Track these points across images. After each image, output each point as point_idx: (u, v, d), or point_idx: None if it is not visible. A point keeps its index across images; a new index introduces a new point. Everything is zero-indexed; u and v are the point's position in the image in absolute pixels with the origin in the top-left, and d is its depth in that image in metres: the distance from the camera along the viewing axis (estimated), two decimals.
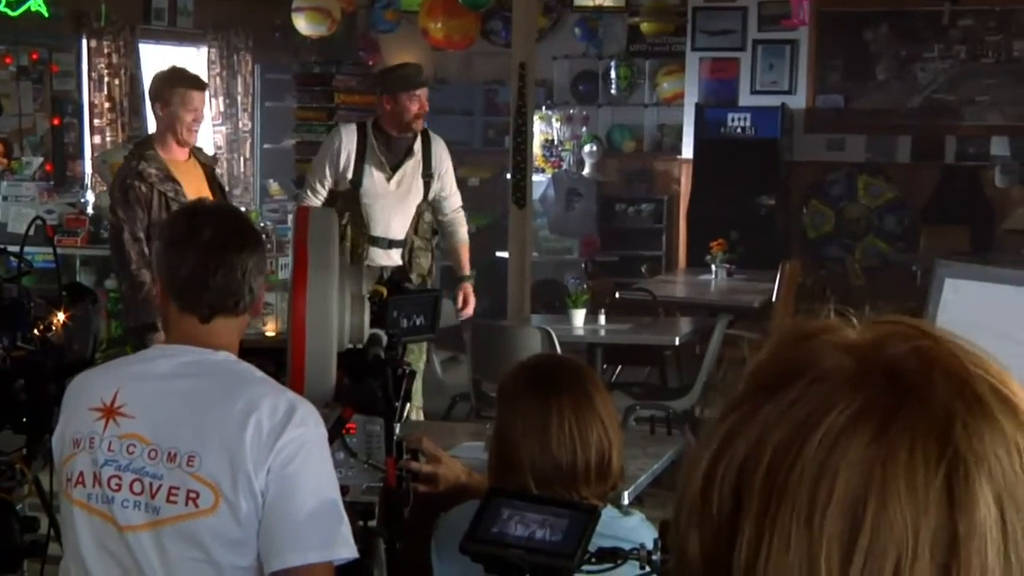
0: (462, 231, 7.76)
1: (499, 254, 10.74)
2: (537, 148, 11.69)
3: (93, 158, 10.48)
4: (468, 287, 7.50)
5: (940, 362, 1.01)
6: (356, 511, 3.43)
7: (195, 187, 6.72)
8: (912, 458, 0.96)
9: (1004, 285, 3.35)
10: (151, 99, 7.13)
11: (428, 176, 7.46)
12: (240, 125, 12.25)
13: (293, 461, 3.04)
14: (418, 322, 3.76)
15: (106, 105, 10.76)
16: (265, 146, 12.70)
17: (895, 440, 0.97)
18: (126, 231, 6.72)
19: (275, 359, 3.48)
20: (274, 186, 12.24)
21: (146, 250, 6.66)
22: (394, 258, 7.27)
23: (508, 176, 8.97)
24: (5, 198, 8.84)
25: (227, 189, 7.91)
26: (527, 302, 8.45)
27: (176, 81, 7.11)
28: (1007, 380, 1.02)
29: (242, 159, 12.25)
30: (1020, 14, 12.16)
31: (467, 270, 7.72)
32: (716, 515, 1.02)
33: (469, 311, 7.32)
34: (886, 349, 1.02)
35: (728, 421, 1.04)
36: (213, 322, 3.17)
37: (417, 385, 6.59)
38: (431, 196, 7.49)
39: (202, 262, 3.14)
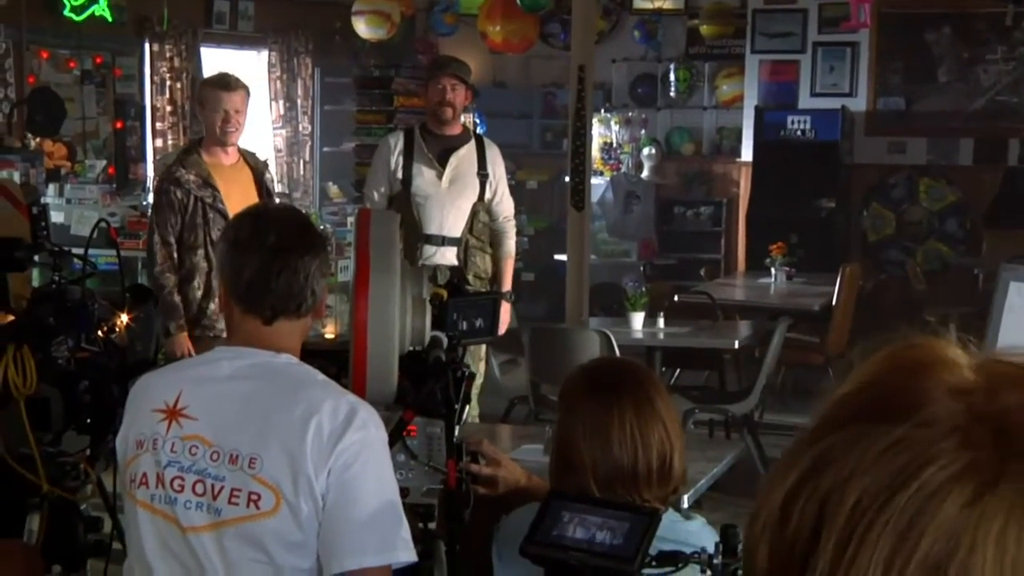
0: (509, 244, 7.73)
1: (557, 257, 10.75)
2: (596, 151, 11.69)
3: (155, 161, 10.55)
4: (506, 305, 7.38)
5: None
6: (416, 513, 3.43)
7: (239, 190, 6.75)
8: (1006, 528, 0.93)
9: None
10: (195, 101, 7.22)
11: (483, 175, 7.45)
12: (300, 128, 12.30)
13: (353, 464, 3.05)
14: (478, 324, 3.75)
15: (168, 109, 10.84)
16: (325, 149, 12.75)
17: (991, 507, 0.93)
18: (156, 234, 6.82)
19: (337, 361, 3.48)
20: (334, 189, 12.28)
21: (175, 255, 6.74)
22: (449, 257, 7.29)
23: (566, 179, 8.98)
24: (69, 201, 8.89)
25: (287, 192, 7.95)
26: (585, 305, 8.43)
27: (207, 84, 7.27)
28: None
29: (302, 162, 12.30)
30: None
31: (507, 286, 7.63)
32: (791, 537, 1.01)
33: (502, 329, 7.27)
34: (999, 398, 0.98)
35: (822, 444, 1.01)
36: (275, 324, 3.18)
37: (475, 389, 6.57)
38: (487, 196, 7.47)
39: (266, 265, 3.15)
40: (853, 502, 0.96)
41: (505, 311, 7.18)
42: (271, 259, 3.16)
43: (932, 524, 0.93)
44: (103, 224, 3.91)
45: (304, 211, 7.05)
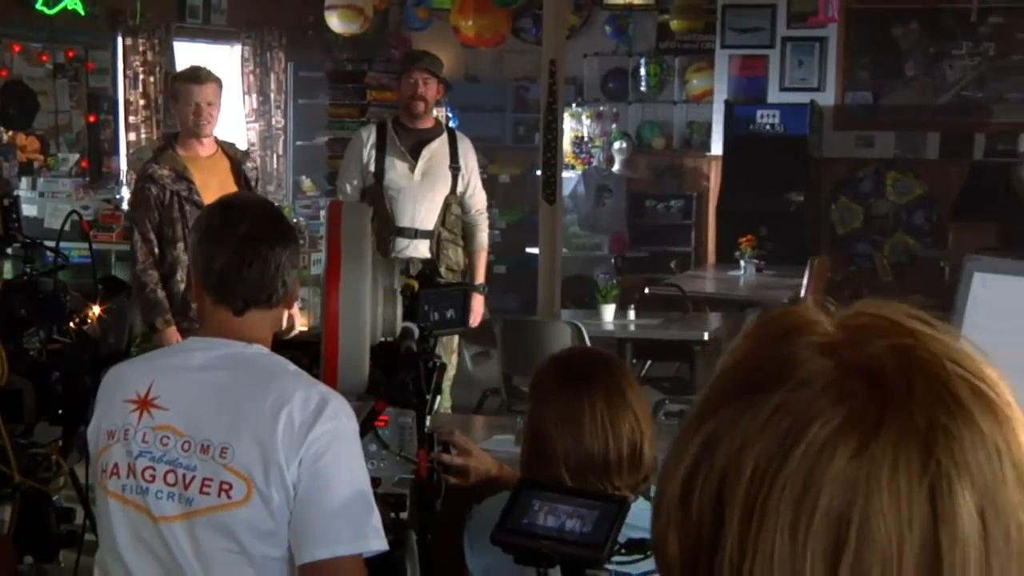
0: (481, 236, 7.74)
1: (529, 250, 10.74)
2: (567, 145, 11.68)
3: (128, 155, 10.51)
4: (478, 298, 7.40)
5: (919, 363, 1.00)
6: (388, 503, 3.43)
7: (218, 181, 6.73)
8: (895, 472, 0.96)
9: None
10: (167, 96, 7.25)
11: (456, 168, 7.46)
12: (273, 122, 12.28)
13: (325, 454, 3.05)
14: (449, 315, 3.75)
15: (141, 102, 10.79)
16: (298, 143, 12.74)
17: (877, 454, 0.96)
18: (136, 232, 6.82)
19: (309, 352, 3.48)
20: (307, 182, 12.27)
21: (155, 251, 6.75)
22: (421, 250, 7.29)
23: (538, 173, 8.97)
24: (42, 194, 8.86)
25: (259, 184, 7.93)
26: (557, 297, 8.44)
27: (179, 78, 7.30)
28: (985, 375, 1.01)
29: (275, 156, 12.27)
30: None
31: (480, 278, 7.65)
32: (696, 522, 1.03)
33: (475, 321, 7.22)
34: (865, 348, 1.02)
35: (707, 426, 1.04)
36: (247, 315, 3.17)
37: (446, 380, 6.57)
38: (459, 189, 7.48)
39: (236, 255, 3.15)
40: (749, 473, 0.99)
41: (478, 303, 7.19)
42: (242, 249, 3.15)
43: (827, 479, 0.96)
44: (75, 216, 3.89)
45: (277, 204, 7.05)
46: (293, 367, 3.19)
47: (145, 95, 10.80)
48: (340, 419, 3.10)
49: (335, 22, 12.03)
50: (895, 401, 0.98)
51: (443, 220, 7.45)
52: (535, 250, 9.32)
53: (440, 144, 7.47)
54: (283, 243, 3.21)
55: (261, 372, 3.14)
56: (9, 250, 3.73)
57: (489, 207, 7.92)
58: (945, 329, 1.04)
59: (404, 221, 7.30)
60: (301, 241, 3.33)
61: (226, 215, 3.31)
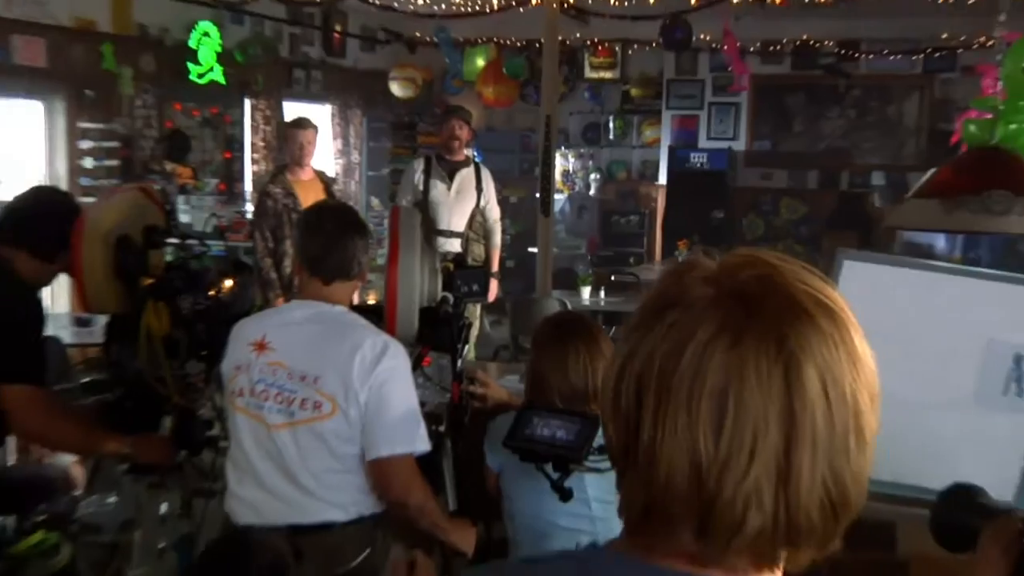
0: (496, 238, 7.68)
1: (530, 250, 10.73)
2: (557, 176, 11.62)
3: (252, 180, 10.50)
4: (494, 281, 7.38)
5: (775, 285, 1.03)
6: (430, 419, 3.41)
7: (313, 197, 6.75)
8: (758, 359, 0.99)
9: (889, 266, 3.31)
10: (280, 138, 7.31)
11: (479, 189, 7.46)
12: (352, 159, 12.22)
13: (386, 383, 3.05)
14: (474, 288, 3.73)
15: (261, 144, 10.76)
16: (369, 173, 12.65)
17: (745, 348, 0.99)
18: (256, 232, 6.86)
19: (376, 313, 3.47)
20: (375, 201, 12.19)
21: (270, 246, 6.77)
22: (454, 246, 7.27)
23: (537, 195, 8.91)
24: (192, 207, 8.88)
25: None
26: (549, 283, 8.37)
27: (288, 125, 7.37)
28: (826, 291, 1.04)
29: (353, 183, 12.21)
30: (890, 89, 12.04)
31: (495, 268, 7.63)
32: (624, 413, 1.05)
33: (492, 297, 7.19)
34: (736, 277, 1.04)
35: (630, 341, 1.06)
36: (332, 285, 3.18)
37: (472, 338, 6.57)
38: (481, 204, 7.47)
39: (325, 243, 3.16)
40: (657, 370, 1.02)
41: (493, 285, 7.16)
42: (329, 238, 3.16)
43: (710, 368, 0.99)
44: (214, 220, 3.87)
45: None
46: (364, 321, 3.20)
47: (264, 139, 10.78)
48: (397, 359, 3.10)
49: (396, 88, 12.03)
50: (757, 312, 1.01)
51: (470, 225, 7.45)
52: (535, 249, 9.25)
53: (469, 172, 7.47)
54: (358, 235, 3.21)
55: (342, 324, 3.14)
56: (169, 241, 3.71)
57: (502, 218, 7.90)
58: (796, 262, 1.07)
59: (442, 225, 7.30)
60: (370, 239, 3.30)
61: (319, 214, 3.32)
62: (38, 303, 3.45)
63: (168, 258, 3.72)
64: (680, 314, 1.03)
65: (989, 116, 3.64)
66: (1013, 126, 3.62)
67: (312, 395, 3.04)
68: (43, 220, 3.40)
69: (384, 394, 3.03)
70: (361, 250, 3.19)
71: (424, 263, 3.46)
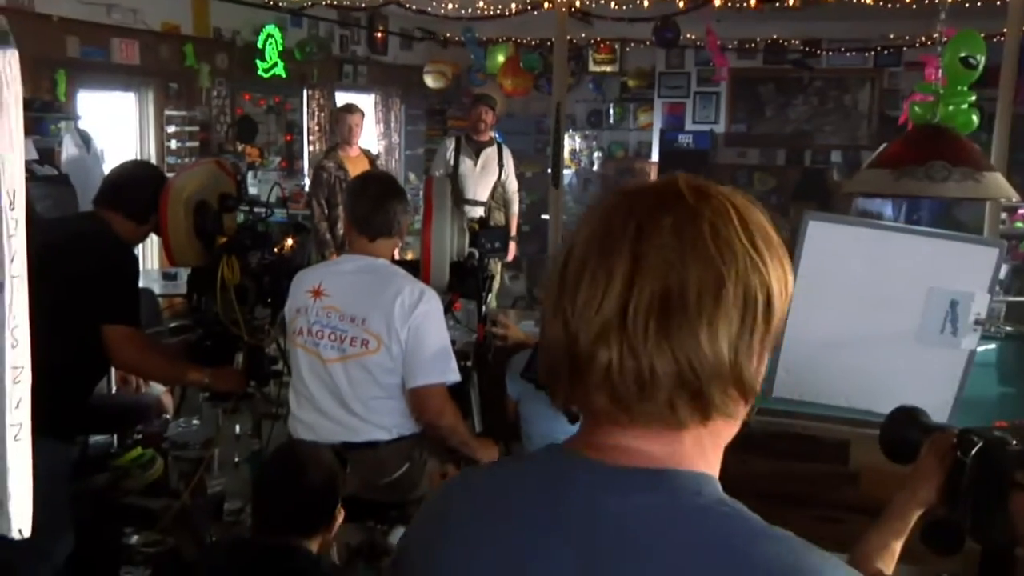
0: (514, 207, 7.54)
1: (543, 216, 10.65)
2: (566, 154, 11.55)
3: (309, 158, 10.46)
4: (512, 243, 7.29)
5: (694, 186, 0.98)
6: (460, 355, 3.40)
7: (360, 170, 6.63)
8: (616, 230, 0.94)
9: (847, 226, 3.28)
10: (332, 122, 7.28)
11: (501, 165, 7.37)
12: (392, 140, 12.14)
13: (423, 323, 3.03)
14: (496, 246, 3.72)
15: (316, 128, 10.71)
16: (407, 152, 12.58)
17: (612, 224, 0.95)
18: (314, 200, 6.83)
19: (414, 266, 3.45)
20: (411, 176, 12.10)
21: (325, 211, 6.73)
22: (479, 212, 7.20)
23: (548, 170, 8.85)
24: (260, 181, 8.83)
25: None
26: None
27: (339, 109, 7.32)
28: (734, 199, 0.98)
29: (393, 160, 12.14)
30: (846, 80, 11.87)
31: (513, 232, 7.52)
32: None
33: (510, 256, 7.10)
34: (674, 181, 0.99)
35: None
36: (376, 242, 3.15)
37: (494, 289, 6.54)
38: (502, 178, 7.40)
39: (370, 205, 3.13)
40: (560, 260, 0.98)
41: (512, 246, 7.13)
42: (373, 201, 3.13)
43: (578, 240, 0.96)
44: (277, 188, 3.85)
45: None
46: (403, 272, 3.17)
47: (319, 124, 10.71)
48: (431, 303, 3.08)
49: (430, 80, 11.91)
50: (628, 197, 0.97)
51: (492, 195, 7.38)
52: (547, 216, 9.20)
53: (492, 150, 7.39)
54: (398, 198, 3.18)
55: (385, 274, 3.12)
56: (241, 207, 3.70)
57: (519, 190, 7.82)
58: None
59: (468, 195, 7.23)
60: (408, 204, 3.26)
61: (364, 181, 3.29)
62: (134, 257, 3.45)
63: (239, 220, 3.71)
64: (588, 214, 0.99)
65: (931, 99, 3.59)
66: (951, 107, 3.56)
67: (360, 334, 3.03)
68: (136, 187, 3.38)
69: (421, 333, 3.01)
70: (400, 212, 3.16)
71: (454, 224, 3.44)
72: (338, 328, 3.04)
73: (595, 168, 12.99)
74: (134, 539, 3.41)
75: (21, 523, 1.37)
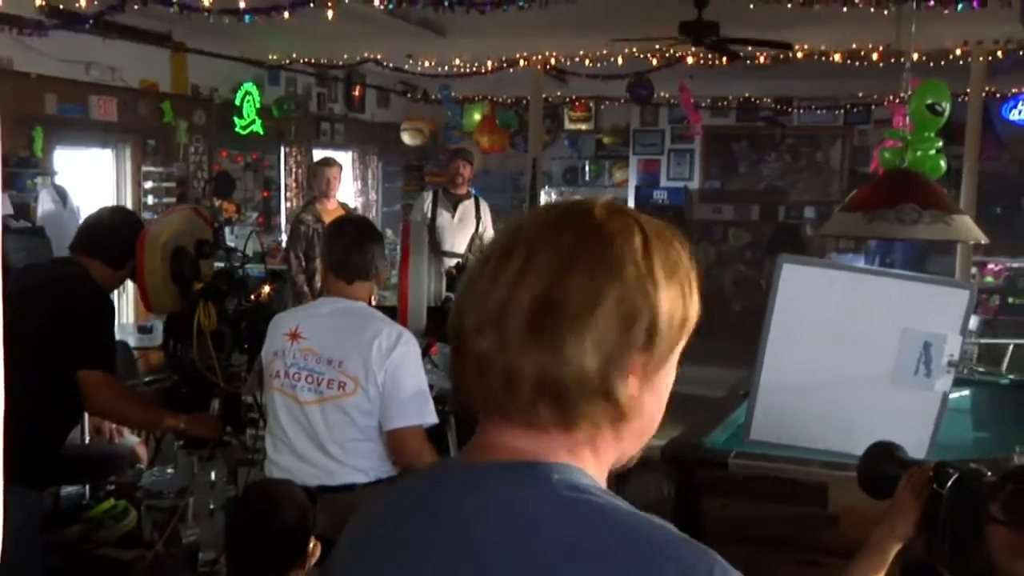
0: None
1: None
2: None
3: (287, 213, 10.48)
4: None
5: (610, 207, 0.99)
6: (437, 400, 3.38)
7: None
8: (500, 255, 0.97)
9: (820, 268, 3.32)
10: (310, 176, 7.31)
11: (478, 218, 7.40)
12: (369, 197, 12.17)
13: (400, 366, 3.03)
14: None
15: (294, 184, 10.75)
16: (384, 209, 12.60)
17: (510, 246, 0.97)
18: (291, 253, 6.81)
19: (391, 313, 3.44)
20: (389, 233, 12.14)
21: (303, 263, 6.72)
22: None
23: None
24: (237, 236, 8.82)
25: None
26: None
27: (317, 163, 7.33)
28: (627, 210, 1.01)
29: (370, 216, 12.18)
30: (820, 138, 12.05)
31: None
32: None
33: None
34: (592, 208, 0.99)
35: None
36: (354, 284, 3.16)
37: None
38: (479, 230, 7.43)
39: (347, 247, 3.13)
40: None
41: None
42: (350, 245, 3.14)
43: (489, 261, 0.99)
44: (254, 235, 3.85)
45: None
46: (381, 314, 3.17)
47: (296, 180, 10.75)
48: (409, 346, 3.08)
49: (406, 137, 12.03)
50: (599, 227, 0.96)
51: (469, 247, 7.39)
52: None
53: (470, 203, 7.40)
54: (375, 241, 3.20)
55: (362, 317, 3.12)
56: (218, 253, 3.70)
57: None
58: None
59: (446, 247, 7.22)
60: (385, 252, 3.28)
61: (341, 225, 3.31)
62: (111, 303, 3.44)
63: (217, 267, 3.71)
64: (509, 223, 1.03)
65: (900, 145, 3.66)
66: (919, 152, 3.63)
67: (337, 376, 3.02)
68: (112, 233, 3.39)
69: (398, 375, 3.01)
70: (378, 255, 3.18)
71: (431, 268, 3.46)
72: (315, 370, 3.04)
73: None
74: None
75: None
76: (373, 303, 3.43)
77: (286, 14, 6.39)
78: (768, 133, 12.12)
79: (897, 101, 8.05)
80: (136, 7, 6.46)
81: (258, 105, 9.67)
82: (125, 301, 7.72)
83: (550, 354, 0.92)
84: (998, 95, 9.79)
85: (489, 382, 0.94)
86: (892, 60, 7.44)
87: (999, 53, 7.41)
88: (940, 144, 3.66)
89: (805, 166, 12.30)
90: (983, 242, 3.28)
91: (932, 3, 4.98)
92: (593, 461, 0.99)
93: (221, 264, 3.81)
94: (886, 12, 5.19)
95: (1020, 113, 9.60)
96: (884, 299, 3.24)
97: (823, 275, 3.27)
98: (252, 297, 3.70)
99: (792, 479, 3.31)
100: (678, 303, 0.98)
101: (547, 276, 0.93)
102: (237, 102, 9.53)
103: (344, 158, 11.50)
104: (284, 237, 9.25)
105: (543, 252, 0.95)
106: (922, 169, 3.54)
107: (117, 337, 3.71)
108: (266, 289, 3.79)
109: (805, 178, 12.31)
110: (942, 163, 3.66)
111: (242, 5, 6.41)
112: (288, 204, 10.60)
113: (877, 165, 4.03)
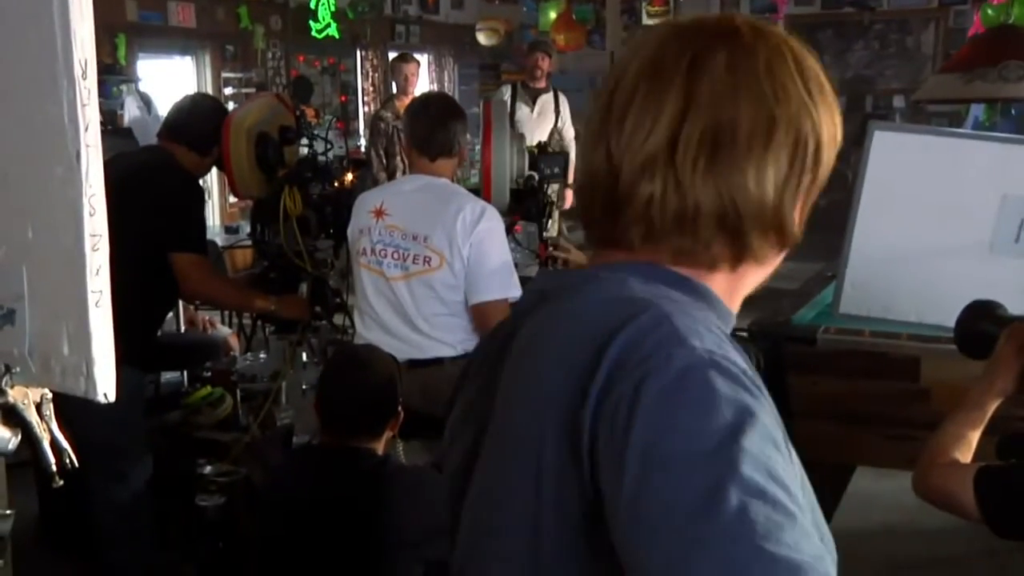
0: (571, 153, 7.43)
1: None
2: None
3: (364, 116, 10.50)
4: (569, 192, 6.92)
5: (751, 24, 0.95)
6: (522, 278, 3.39)
7: None
8: (668, 58, 0.92)
9: (914, 135, 3.20)
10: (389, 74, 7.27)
11: (557, 112, 7.30)
12: None
13: (485, 240, 3.03)
14: (555, 170, 3.70)
15: (370, 89, 10.75)
16: None
17: (663, 51, 0.93)
18: (372, 149, 6.81)
19: (474, 193, 3.43)
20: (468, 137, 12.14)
21: (383, 160, 6.71)
22: None
23: None
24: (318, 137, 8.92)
25: None
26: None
27: (395, 59, 7.25)
28: (768, 26, 0.96)
29: None
30: (912, 22, 11.59)
31: (570, 179, 7.38)
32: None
33: (567, 204, 6.92)
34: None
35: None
36: (437, 161, 3.15)
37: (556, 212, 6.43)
38: (558, 125, 7.33)
39: (430, 125, 3.12)
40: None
41: (568, 193, 7.02)
42: (433, 121, 3.12)
43: (629, 72, 0.93)
44: (333, 120, 3.85)
45: None
46: (465, 190, 3.17)
47: (373, 84, 10.76)
48: (493, 221, 3.08)
49: (482, 38, 11.87)
50: (684, 31, 0.94)
51: (549, 141, 7.31)
52: None
53: (549, 97, 7.32)
54: (457, 118, 3.17)
55: (447, 192, 3.12)
56: (302, 141, 3.72)
57: (575, 139, 7.76)
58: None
59: (526, 141, 7.16)
60: (467, 129, 3.25)
61: (425, 102, 3.29)
62: (199, 188, 3.49)
63: (301, 155, 3.74)
64: (637, 44, 0.96)
65: (1004, 1, 3.48)
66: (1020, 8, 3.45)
67: (423, 251, 3.04)
68: (198, 120, 3.42)
69: (483, 249, 3.01)
70: (460, 131, 3.15)
71: (513, 146, 3.43)
72: (401, 246, 3.05)
73: None
74: (207, 469, 3.46)
75: (106, 387, 1.39)
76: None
77: None
78: (856, 19, 11.67)
79: None
80: None
81: (333, 8, 9.64)
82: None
83: (731, 187, 0.89)
84: None
85: (658, 224, 0.91)
86: None
87: None
88: None
89: (895, 54, 11.88)
90: None
91: None
92: (731, 301, 0.98)
93: (305, 150, 3.83)
94: None
95: None
96: (982, 164, 3.12)
97: (917, 141, 3.16)
98: (335, 184, 3.72)
99: (883, 353, 3.25)
100: (832, 123, 0.96)
101: (715, 106, 0.89)
102: (312, 5, 9.51)
103: (420, 60, 11.46)
104: (363, 142, 9.28)
105: (703, 80, 0.90)
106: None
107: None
108: (349, 176, 3.81)
109: (894, 66, 11.88)
110: None
111: None
112: (365, 108, 10.61)
113: (977, 29, 3.84)
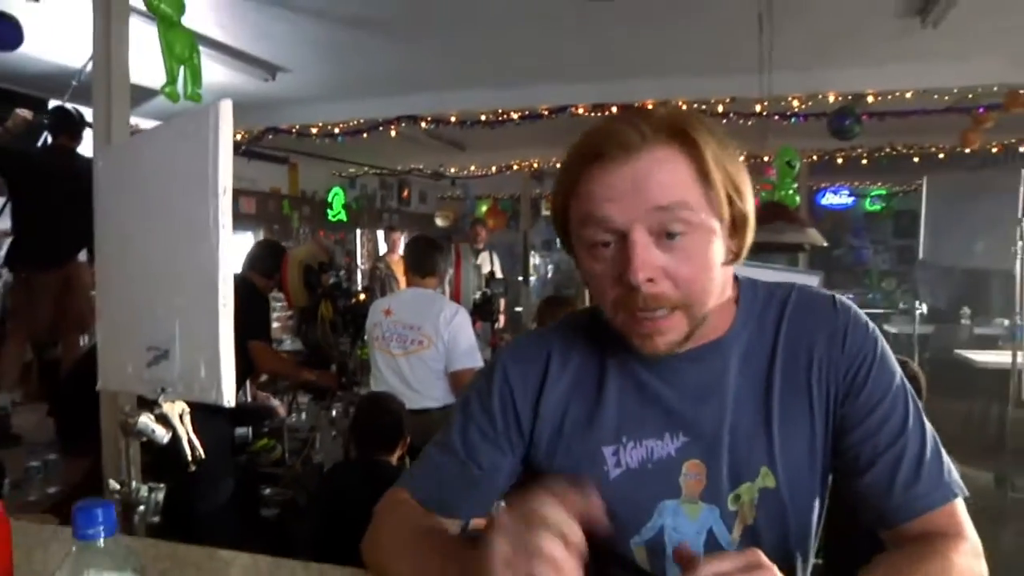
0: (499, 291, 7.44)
1: (516, 309, 10.60)
2: (531, 268, 11.56)
3: (361, 273, 10.47)
4: (502, 315, 6.59)
5: (688, 120, 0.87)
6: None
7: (400, 269, 6.40)
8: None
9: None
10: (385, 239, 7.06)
11: (491, 262, 7.24)
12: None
13: (458, 330, 3.00)
14: (499, 290, 3.74)
15: (366, 254, 10.77)
16: None
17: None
18: (373, 285, 6.54)
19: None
20: None
21: (379, 294, 6.35)
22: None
23: (519, 278, 8.85)
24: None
25: None
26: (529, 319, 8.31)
27: (386, 230, 7.28)
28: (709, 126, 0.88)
29: None
30: None
31: (502, 308, 7.16)
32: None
33: (501, 323, 6.65)
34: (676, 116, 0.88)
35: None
36: (426, 278, 3.17)
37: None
38: (493, 269, 7.22)
39: (421, 253, 3.15)
40: None
41: (502, 317, 7.02)
42: (423, 251, 3.16)
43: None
44: (340, 245, 3.87)
45: None
46: (445, 296, 3.18)
47: (367, 251, 10.77)
48: (463, 316, 3.06)
49: (439, 220, 11.95)
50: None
51: (486, 281, 7.32)
52: (519, 308, 9.18)
53: (486, 254, 7.11)
54: (438, 251, 3.19)
55: (432, 298, 3.11)
56: (330, 271, 3.72)
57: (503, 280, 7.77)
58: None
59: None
60: (447, 257, 3.28)
61: (417, 239, 3.29)
62: (267, 299, 3.46)
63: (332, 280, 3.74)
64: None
65: (770, 188, 3.76)
66: (782, 192, 3.73)
67: (417, 336, 3.03)
68: (266, 254, 3.44)
69: (457, 334, 3.01)
70: (441, 259, 3.19)
71: (471, 273, 3.48)
72: (402, 334, 3.06)
73: (548, 276, 13.06)
74: (266, 491, 3.33)
75: (229, 396, 1.38)
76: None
77: (364, 135, 6.48)
78: None
79: (764, 159, 8.12)
80: (269, 137, 6.57)
81: (343, 202, 9.79)
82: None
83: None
84: (813, 188, 10.04)
85: None
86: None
87: (814, 157, 7.47)
88: (795, 186, 3.76)
89: None
90: (824, 244, 3.34)
91: (777, 117, 5.10)
92: None
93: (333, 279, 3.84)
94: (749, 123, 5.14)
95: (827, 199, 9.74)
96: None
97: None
98: (352, 300, 3.74)
99: None
100: None
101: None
102: (329, 199, 9.66)
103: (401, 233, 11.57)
104: (359, 287, 9.25)
105: None
106: (784, 201, 3.63)
107: None
108: (362, 296, 3.83)
109: None
110: (797, 198, 3.75)
111: (336, 131, 6.52)
112: (363, 266, 10.59)
113: (759, 201, 4.13)
